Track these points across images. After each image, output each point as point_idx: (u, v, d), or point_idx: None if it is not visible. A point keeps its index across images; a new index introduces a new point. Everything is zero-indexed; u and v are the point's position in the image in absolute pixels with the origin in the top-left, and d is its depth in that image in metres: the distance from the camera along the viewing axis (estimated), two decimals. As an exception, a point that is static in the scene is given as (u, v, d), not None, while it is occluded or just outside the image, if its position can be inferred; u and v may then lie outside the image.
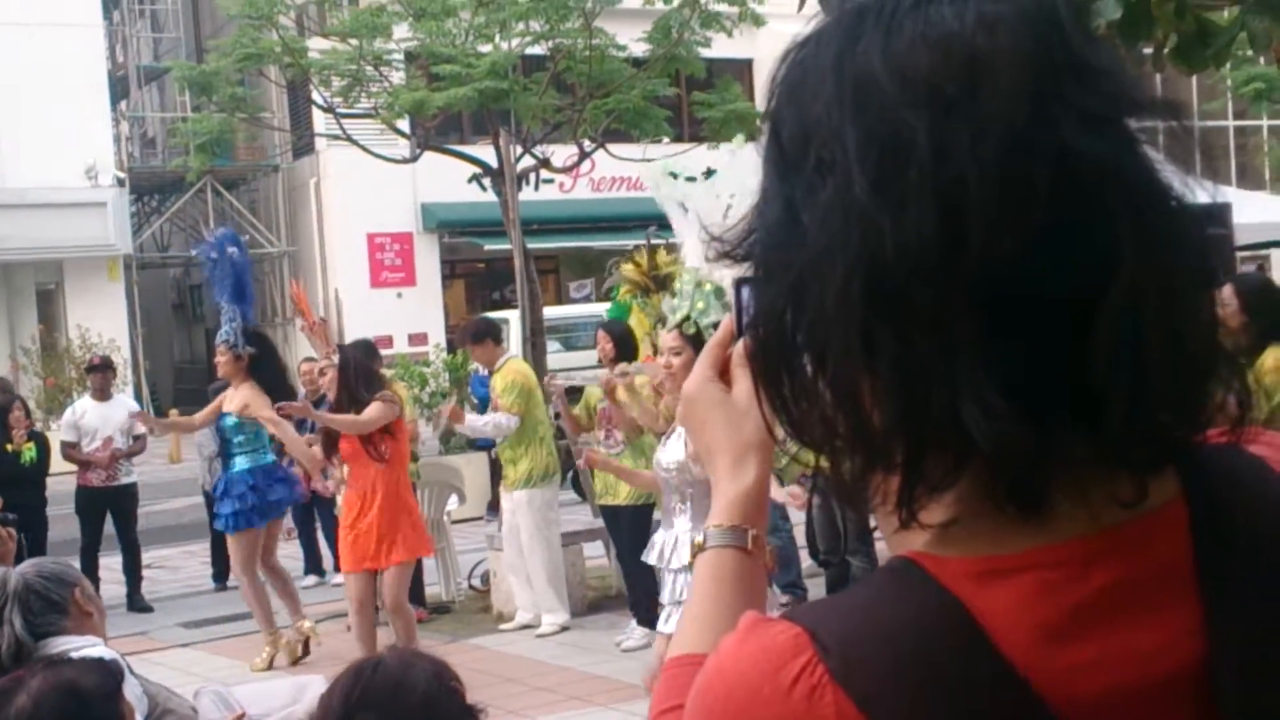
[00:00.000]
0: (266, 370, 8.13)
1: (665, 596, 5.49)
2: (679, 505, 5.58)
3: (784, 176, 0.85)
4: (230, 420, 8.21)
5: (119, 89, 26.08)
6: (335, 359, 7.29)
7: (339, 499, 8.04)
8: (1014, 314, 0.78)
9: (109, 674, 2.73)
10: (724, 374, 1.14)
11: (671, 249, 10.46)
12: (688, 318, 5.87)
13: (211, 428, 9.28)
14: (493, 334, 8.64)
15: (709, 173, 13.31)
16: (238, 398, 8.07)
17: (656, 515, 8.50)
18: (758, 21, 14.57)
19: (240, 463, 8.27)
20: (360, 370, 7.25)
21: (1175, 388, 0.81)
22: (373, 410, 7.01)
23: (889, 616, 0.81)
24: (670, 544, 5.50)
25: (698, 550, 1.15)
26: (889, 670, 0.79)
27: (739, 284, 1.14)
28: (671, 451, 5.54)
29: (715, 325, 5.06)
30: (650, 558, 5.65)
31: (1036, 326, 0.78)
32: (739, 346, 1.13)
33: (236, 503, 8.18)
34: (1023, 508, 0.81)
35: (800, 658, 0.81)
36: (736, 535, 1.13)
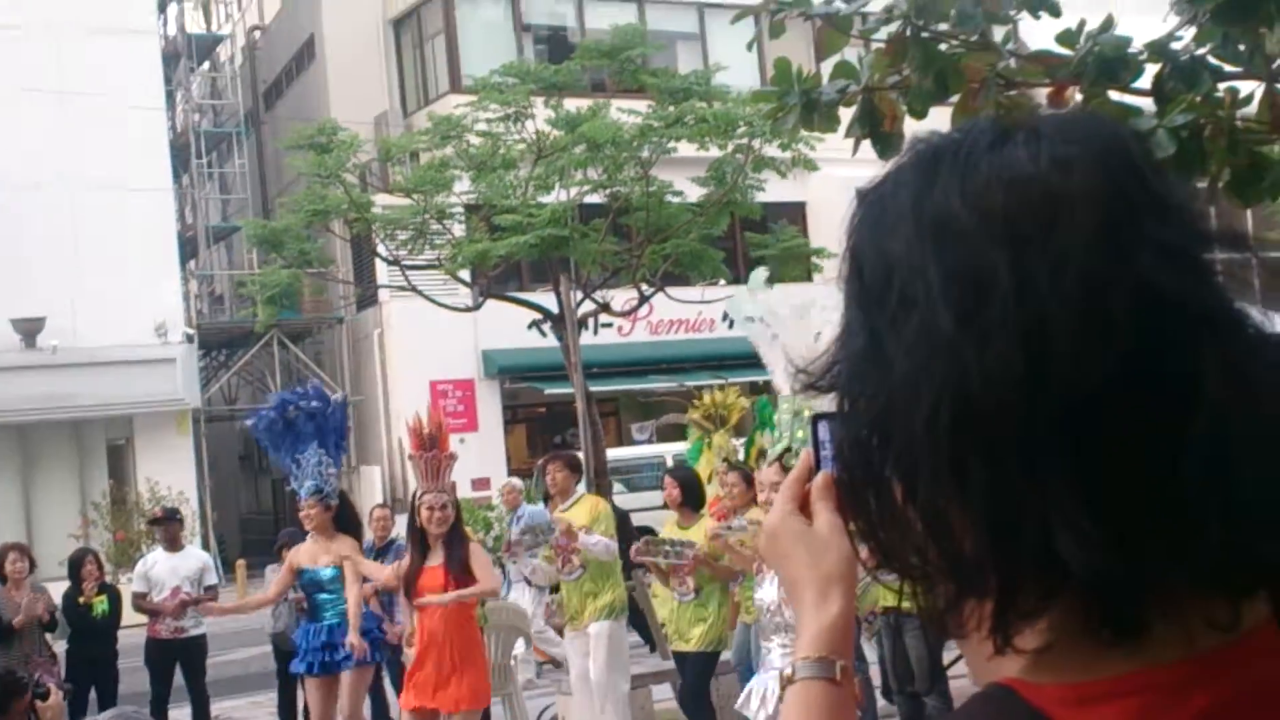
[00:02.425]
0: (345, 523, 8.22)
1: None
2: (777, 647, 5.39)
3: (867, 310, 0.88)
4: (327, 572, 8.20)
5: (188, 249, 26.83)
6: (453, 495, 7.35)
7: (406, 648, 8.00)
8: (1103, 442, 0.80)
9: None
10: (804, 508, 1.16)
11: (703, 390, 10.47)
12: (789, 449, 5.72)
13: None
14: (580, 470, 8.85)
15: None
16: (334, 549, 8.10)
17: (724, 657, 8.43)
18: (810, 166, 14.81)
19: (330, 617, 8.21)
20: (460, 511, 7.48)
21: (1266, 511, 0.82)
22: (489, 569, 7.35)
23: None
24: (762, 690, 5.31)
25: (787, 682, 1.16)
26: None
27: (816, 419, 1.16)
28: (768, 592, 5.40)
29: None
30: (749, 707, 5.43)
31: (1126, 455, 0.80)
32: (819, 480, 1.15)
33: (333, 651, 8.09)
34: (1118, 633, 0.81)
35: None
36: (824, 667, 1.14)
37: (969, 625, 0.86)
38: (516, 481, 11.85)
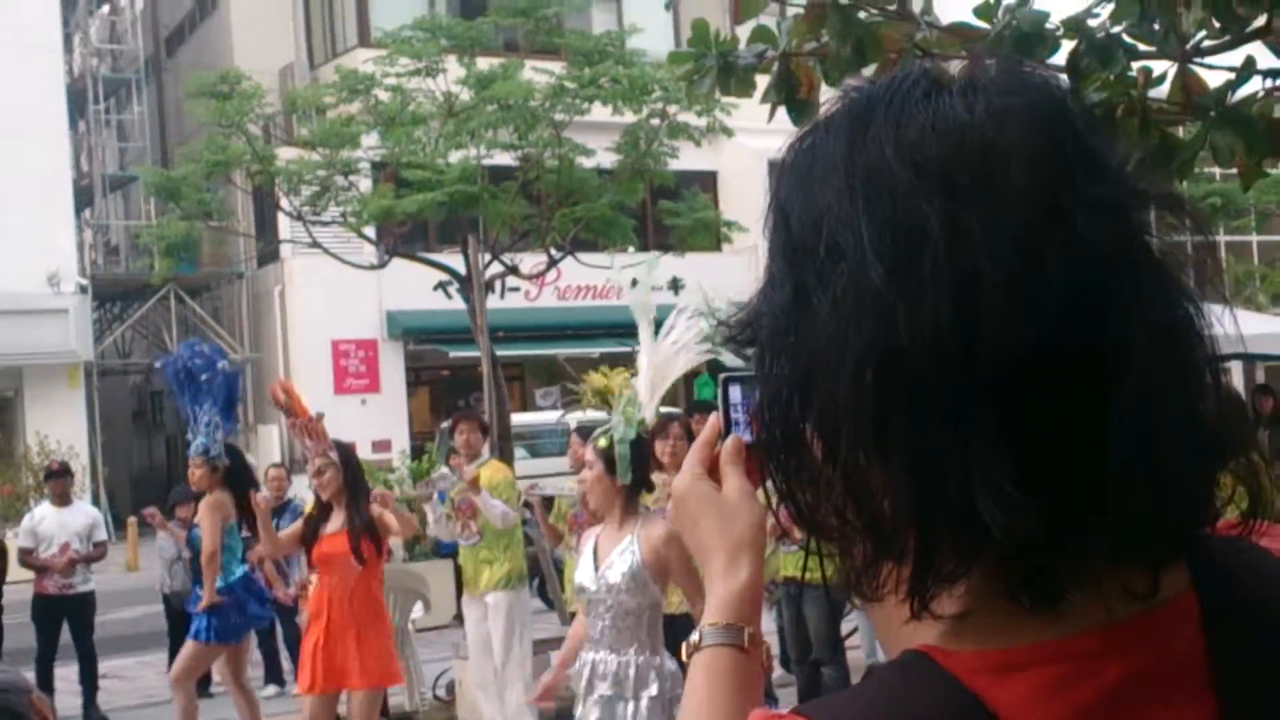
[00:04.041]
0: (238, 482, 8.07)
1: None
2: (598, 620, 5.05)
3: (793, 262, 0.85)
4: (197, 533, 8.11)
5: (84, 197, 26.13)
6: (334, 456, 6.96)
7: (301, 608, 7.89)
8: (1029, 403, 0.78)
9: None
10: (712, 472, 1.14)
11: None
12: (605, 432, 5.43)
13: (173, 540, 9.30)
14: (487, 432, 8.84)
15: (674, 282, 13.40)
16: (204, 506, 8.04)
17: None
18: (727, 133, 14.79)
19: (219, 577, 8.07)
20: (359, 469, 7.17)
21: (1188, 478, 0.81)
22: (394, 516, 7.07)
23: (903, 710, 0.80)
24: (587, 663, 5.01)
25: (693, 649, 1.14)
26: None
27: (726, 381, 1.13)
28: (584, 572, 5.07)
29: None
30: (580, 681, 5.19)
31: (1051, 416, 0.78)
32: (729, 444, 1.13)
33: (215, 618, 7.98)
34: (1036, 600, 0.80)
35: None
36: (732, 633, 1.12)
37: (885, 588, 0.84)
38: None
